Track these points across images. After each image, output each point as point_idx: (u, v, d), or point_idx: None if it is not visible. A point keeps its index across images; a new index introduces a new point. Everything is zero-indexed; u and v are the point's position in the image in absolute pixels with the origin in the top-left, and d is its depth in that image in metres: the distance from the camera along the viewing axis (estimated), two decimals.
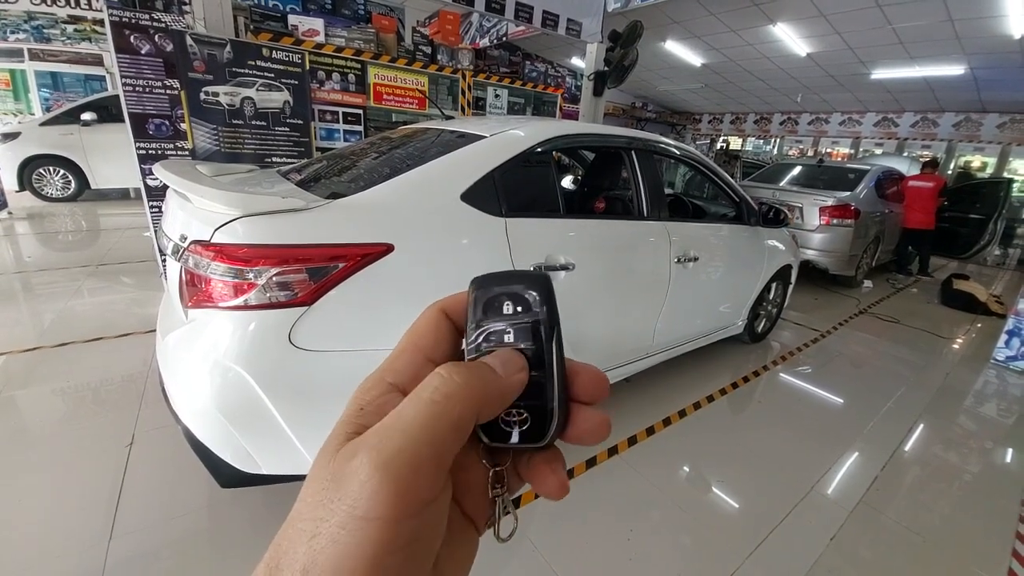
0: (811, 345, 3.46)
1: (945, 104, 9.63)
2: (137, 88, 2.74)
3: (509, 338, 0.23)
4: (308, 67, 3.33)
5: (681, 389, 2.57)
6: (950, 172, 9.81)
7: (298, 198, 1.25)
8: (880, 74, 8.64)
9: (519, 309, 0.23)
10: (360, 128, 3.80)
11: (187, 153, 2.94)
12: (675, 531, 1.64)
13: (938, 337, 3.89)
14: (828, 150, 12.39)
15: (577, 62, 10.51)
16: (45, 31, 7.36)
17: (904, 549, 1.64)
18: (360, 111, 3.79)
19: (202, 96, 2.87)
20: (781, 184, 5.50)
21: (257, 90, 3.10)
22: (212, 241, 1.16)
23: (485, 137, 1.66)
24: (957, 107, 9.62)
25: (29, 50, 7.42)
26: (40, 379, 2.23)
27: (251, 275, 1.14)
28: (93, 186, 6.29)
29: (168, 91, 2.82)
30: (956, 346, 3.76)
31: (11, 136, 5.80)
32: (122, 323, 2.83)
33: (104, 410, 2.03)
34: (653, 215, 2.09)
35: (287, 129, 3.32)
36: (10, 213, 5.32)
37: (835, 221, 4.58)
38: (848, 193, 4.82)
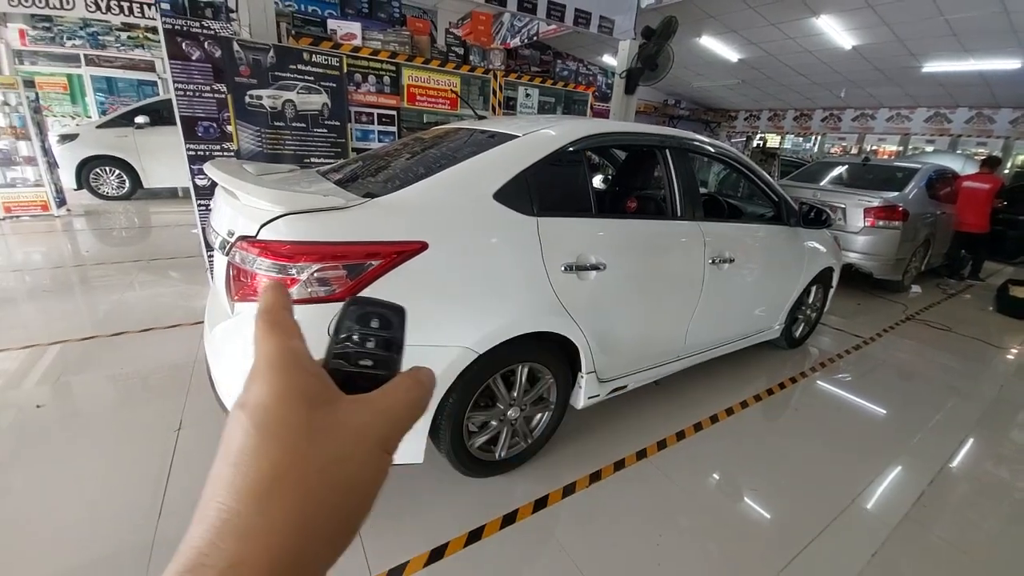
0: (852, 352, 3.31)
1: (1002, 99, 9.02)
2: (188, 92, 2.89)
3: (370, 345, 0.28)
4: (346, 70, 3.42)
5: (713, 394, 2.52)
6: (1007, 171, 9.18)
7: (338, 197, 1.30)
8: (932, 67, 8.18)
9: (383, 325, 0.29)
10: (394, 129, 3.87)
11: (232, 154, 3.08)
12: (705, 539, 1.60)
13: (992, 346, 3.65)
14: (874, 147, 11.82)
15: (608, 60, 10.40)
16: (100, 38, 7.84)
17: (950, 567, 1.56)
18: (394, 112, 3.87)
19: (247, 99, 2.99)
20: (823, 184, 5.28)
21: (298, 93, 3.22)
22: (258, 237, 1.21)
23: (517, 137, 1.67)
24: (1015, 102, 9.00)
25: (85, 55, 7.91)
26: (95, 366, 2.38)
27: (293, 271, 1.19)
28: (145, 185, 6.66)
29: (216, 95, 2.96)
30: (1011, 356, 3.52)
31: (69, 137, 6.20)
32: (171, 315, 2.99)
33: (154, 397, 2.16)
34: (687, 215, 2.05)
35: (325, 130, 3.42)
36: (68, 210, 5.70)
37: (881, 223, 4.36)
38: (896, 193, 4.58)
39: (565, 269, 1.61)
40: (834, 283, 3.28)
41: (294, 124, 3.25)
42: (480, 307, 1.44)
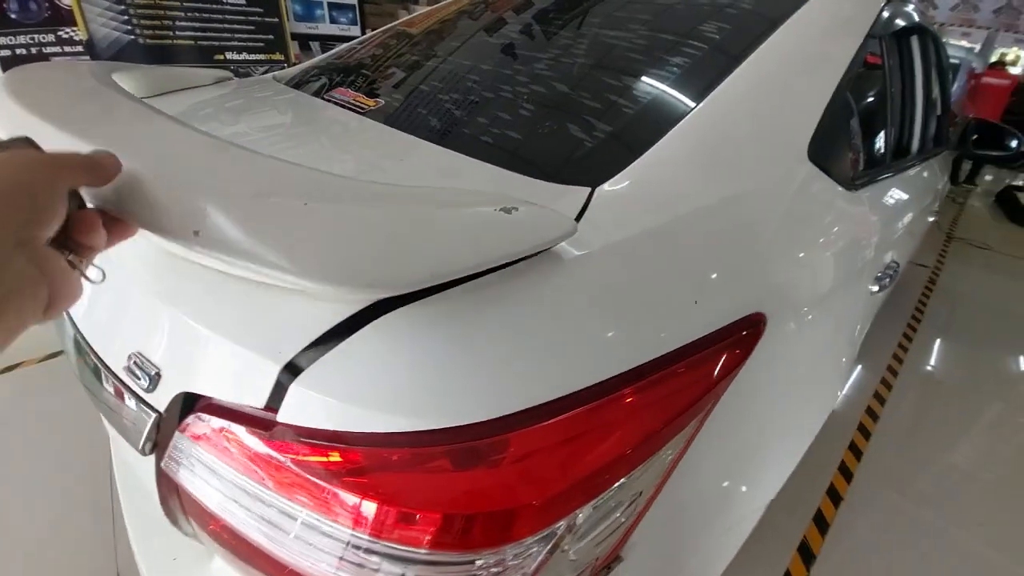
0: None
1: None
2: None
3: None
4: None
5: None
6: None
7: (551, 206, 0.37)
8: None
9: None
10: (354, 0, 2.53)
11: (80, 48, 1.74)
12: None
13: None
14: None
15: None
16: None
17: None
18: None
19: None
20: None
21: None
22: (284, 425, 0.29)
23: None
24: None
25: None
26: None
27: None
28: None
29: None
30: None
31: None
32: None
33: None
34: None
35: (243, 3, 2.08)
36: None
37: None
38: None
39: (878, 288, 0.82)
40: None
41: None
42: (799, 414, 0.64)
